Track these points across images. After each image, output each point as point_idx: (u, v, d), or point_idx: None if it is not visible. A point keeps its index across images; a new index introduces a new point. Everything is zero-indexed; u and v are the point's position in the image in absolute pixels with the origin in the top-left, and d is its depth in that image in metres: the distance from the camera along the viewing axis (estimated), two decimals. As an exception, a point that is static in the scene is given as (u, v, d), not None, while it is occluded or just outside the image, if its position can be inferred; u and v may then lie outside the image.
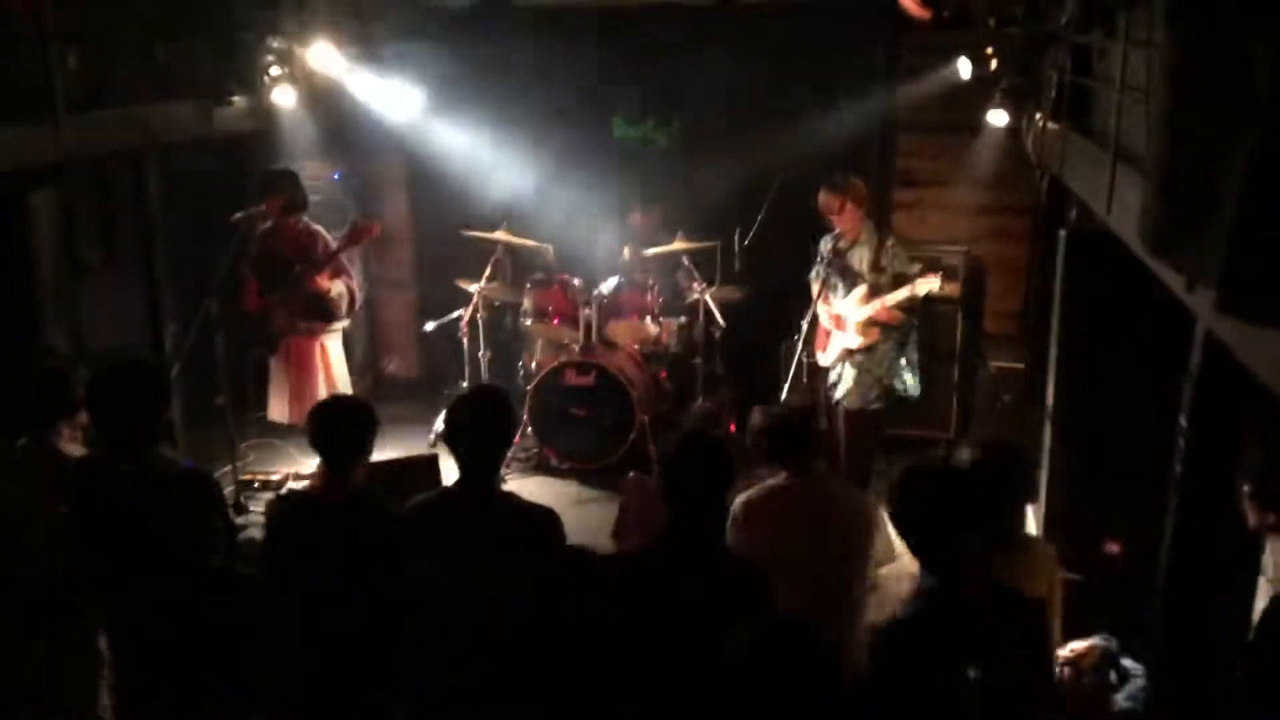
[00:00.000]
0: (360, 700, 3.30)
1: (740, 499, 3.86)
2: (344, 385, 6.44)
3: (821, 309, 6.04)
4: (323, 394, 6.11)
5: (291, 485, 6.48)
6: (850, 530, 3.85)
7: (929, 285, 5.70)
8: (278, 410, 6.42)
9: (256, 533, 3.67)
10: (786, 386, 6.03)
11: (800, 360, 5.99)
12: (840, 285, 5.97)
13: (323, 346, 6.37)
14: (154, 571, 2.90)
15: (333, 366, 6.42)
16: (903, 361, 6.04)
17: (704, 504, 3.23)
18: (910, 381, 6.08)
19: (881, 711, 2.77)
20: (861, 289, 5.85)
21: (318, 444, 3.55)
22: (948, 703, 2.73)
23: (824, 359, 6.14)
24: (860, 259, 5.89)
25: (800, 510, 3.83)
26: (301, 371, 6.33)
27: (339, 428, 3.57)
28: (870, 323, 5.86)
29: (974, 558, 2.90)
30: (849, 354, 5.95)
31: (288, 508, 3.62)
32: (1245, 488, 2.96)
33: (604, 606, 3.19)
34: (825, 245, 6.06)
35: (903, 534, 2.98)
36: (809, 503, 3.86)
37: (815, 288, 6.07)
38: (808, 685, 2.36)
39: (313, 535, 3.46)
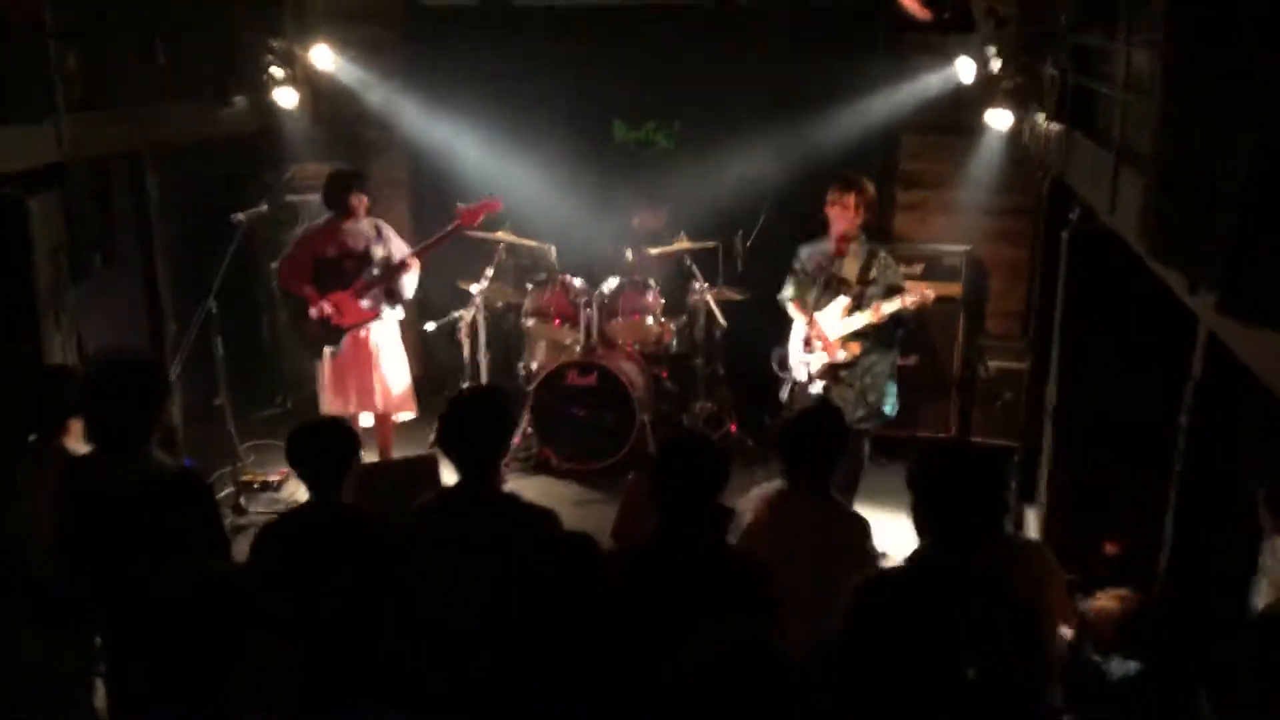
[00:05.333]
0: (359, 703, 3.29)
1: (745, 507, 3.72)
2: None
3: (800, 323, 5.87)
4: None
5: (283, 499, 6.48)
6: (831, 559, 3.50)
7: (916, 301, 5.59)
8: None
9: (256, 534, 3.69)
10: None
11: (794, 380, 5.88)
12: (823, 297, 5.77)
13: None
14: (146, 573, 2.89)
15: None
16: (890, 381, 5.87)
17: (693, 505, 3.16)
18: (890, 401, 5.88)
19: (855, 666, 2.75)
20: (844, 300, 5.68)
21: (299, 468, 3.54)
22: (922, 665, 2.72)
23: (799, 374, 5.88)
24: (849, 269, 5.72)
25: (778, 527, 3.57)
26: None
27: (318, 449, 3.55)
28: (852, 336, 5.68)
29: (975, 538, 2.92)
30: (830, 369, 5.74)
31: (273, 531, 3.59)
32: (1261, 494, 2.95)
33: (603, 601, 3.18)
34: (805, 257, 5.92)
35: (917, 502, 2.98)
36: (790, 522, 3.59)
37: (792, 307, 5.92)
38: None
39: (300, 555, 3.44)
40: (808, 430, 3.75)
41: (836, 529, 3.64)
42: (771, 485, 3.77)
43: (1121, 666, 3.72)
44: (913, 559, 2.98)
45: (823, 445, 3.71)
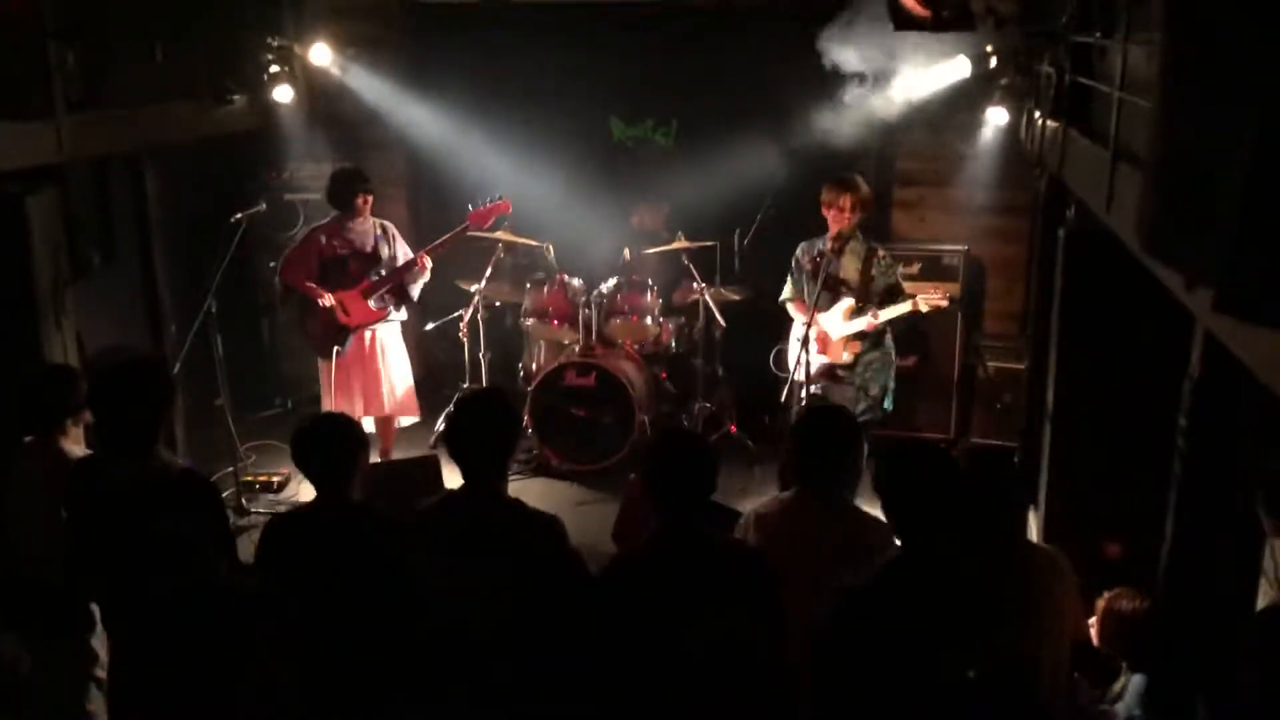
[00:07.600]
0: (363, 707, 3.29)
1: (752, 508, 3.61)
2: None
3: (800, 323, 5.85)
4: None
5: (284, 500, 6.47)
6: (851, 565, 3.31)
7: (932, 302, 5.61)
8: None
9: (257, 535, 3.67)
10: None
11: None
12: (823, 297, 5.77)
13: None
14: (150, 574, 2.90)
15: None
16: (890, 375, 5.87)
17: (688, 500, 3.14)
18: (889, 395, 5.89)
19: (835, 677, 2.77)
20: (847, 302, 5.70)
21: (306, 466, 3.52)
22: (899, 669, 2.73)
23: (797, 374, 5.80)
24: (849, 270, 5.75)
25: (795, 533, 3.40)
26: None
27: (326, 446, 3.52)
28: (853, 336, 5.71)
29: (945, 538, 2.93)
30: (829, 369, 5.76)
31: (282, 527, 3.58)
32: (1260, 495, 2.94)
33: (603, 610, 3.18)
34: (804, 256, 5.93)
35: (885, 504, 3.01)
36: (804, 527, 3.41)
37: (793, 307, 5.95)
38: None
39: (309, 553, 3.43)
40: (820, 430, 3.58)
41: (857, 533, 3.45)
42: (782, 495, 3.62)
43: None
44: (886, 565, 2.98)
45: (837, 445, 3.53)
